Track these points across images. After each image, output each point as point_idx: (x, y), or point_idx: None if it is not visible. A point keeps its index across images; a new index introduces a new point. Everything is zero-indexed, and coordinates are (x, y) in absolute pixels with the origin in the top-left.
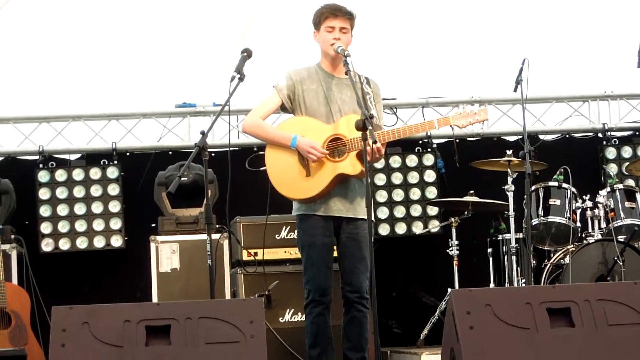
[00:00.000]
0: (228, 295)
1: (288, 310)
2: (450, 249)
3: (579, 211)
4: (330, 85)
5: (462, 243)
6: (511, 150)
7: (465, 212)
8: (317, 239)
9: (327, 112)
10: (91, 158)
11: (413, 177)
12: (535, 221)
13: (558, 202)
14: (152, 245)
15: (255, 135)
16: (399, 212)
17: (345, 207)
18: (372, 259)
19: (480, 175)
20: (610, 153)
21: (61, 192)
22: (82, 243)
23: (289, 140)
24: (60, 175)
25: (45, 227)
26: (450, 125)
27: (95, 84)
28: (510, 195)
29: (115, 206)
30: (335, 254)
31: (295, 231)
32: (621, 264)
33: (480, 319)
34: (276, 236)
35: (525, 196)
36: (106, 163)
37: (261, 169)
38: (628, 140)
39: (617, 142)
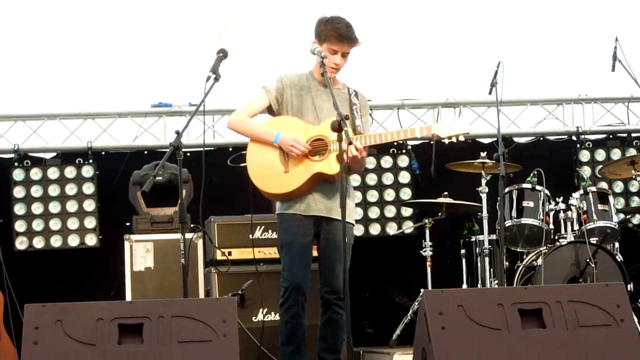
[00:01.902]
0: (202, 295)
1: (261, 309)
2: (424, 250)
3: (552, 213)
4: (320, 94)
5: (435, 244)
6: (485, 152)
7: (439, 214)
8: (296, 238)
9: (314, 119)
10: (66, 157)
11: (387, 178)
12: (508, 223)
13: (531, 204)
14: (126, 244)
15: (240, 131)
16: (373, 213)
17: (327, 207)
18: (346, 260)
19: (455, 177)
20: (584, 156)
21: (36, 191)
22: (56, 241)
23: (272, 137)
24: (35, 173)
25: (20, 225)
26: (433, 135)
27: (71, 83)
28: (484, 197)
29: (90, 205)
30: (315, 254)
31: (269, 231)
32: (593, 265)
33: (452, 320)
34: (250, 236)
35: (498, 198)
36: (81, 162)
37: (242, 165)
38: (602, 144)
39: (590, 145)
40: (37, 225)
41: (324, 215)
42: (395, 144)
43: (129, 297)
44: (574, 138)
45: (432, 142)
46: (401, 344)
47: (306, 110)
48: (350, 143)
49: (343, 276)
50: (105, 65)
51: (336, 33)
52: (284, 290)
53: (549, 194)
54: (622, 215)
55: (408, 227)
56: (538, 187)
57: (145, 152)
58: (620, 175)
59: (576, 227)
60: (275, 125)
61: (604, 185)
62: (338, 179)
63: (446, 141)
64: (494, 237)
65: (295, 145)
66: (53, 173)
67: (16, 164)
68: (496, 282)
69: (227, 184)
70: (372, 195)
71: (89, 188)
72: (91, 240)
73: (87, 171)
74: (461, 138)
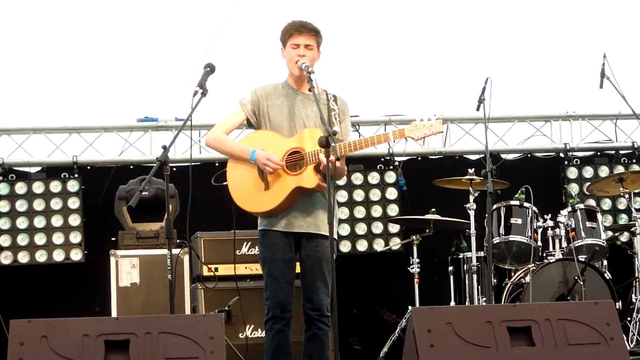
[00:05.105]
0: (188, 311)
1: (248, 326)
2: (412, 266)
3: (540, 230)
4: (295, 101)
5: (423, 261)
6: (473, 169)
7: (427, 230)
8: (277, 255)
9: (291, 127)
10: (52, 171)
11: (375, 194)
12: (496, 240)
13: (519, 221)
14: (112, 260)
15: (218, 149)
16: (360, 229)
17: (306, 222)
18: (333, 276)
19: (442, 194)
20: (572, 173)
21: (21, 205)
22: (41, 256)
23: (248, 154)
24: (20, 187)
25: (4, 240)
26: (405, 138)
27: (57, 97)
28: (471, 213)
29: (75, 220)
30: (298, 270)
31: (256, 247)
32: (582, 283)
33: (440, 337)
34: (237, 252)
35: (486, 215)
36: (67, 176)
37: (224, 183)
38: (589, 161)
39: (578, 162)
40: (22, 239)
41: (304, 231)
42: (383, 159)
43: (114, 312)
44: (561, 155)
45: (418, 159)
46: None
47: (283, 118)
48: (337, 159)
49: (331, 292)
50: (91, 80)
51: (292, 26)
52: (267, 308)
53: (536, 211)
54: (610, 233)
55: (395, 243)
56: (526, 204)
57: (131, 167)
58: (608, 193)
59: (564, 244)
60: (251, 142)
61: (592, 202)
62: (318, 191)
63: (420, 142)
64: (481, 254)
65: (268, 163)
66: (38, 187)
67: (1, 178)
68: (484, 299)
69: (213, 199)
70: (359, 212)
71: (74, 202)
72: (76, 255)
73: (73, 186)
74: (437, 137)
